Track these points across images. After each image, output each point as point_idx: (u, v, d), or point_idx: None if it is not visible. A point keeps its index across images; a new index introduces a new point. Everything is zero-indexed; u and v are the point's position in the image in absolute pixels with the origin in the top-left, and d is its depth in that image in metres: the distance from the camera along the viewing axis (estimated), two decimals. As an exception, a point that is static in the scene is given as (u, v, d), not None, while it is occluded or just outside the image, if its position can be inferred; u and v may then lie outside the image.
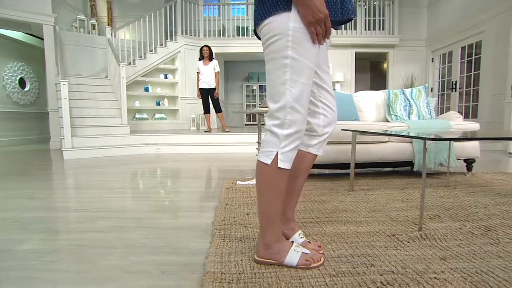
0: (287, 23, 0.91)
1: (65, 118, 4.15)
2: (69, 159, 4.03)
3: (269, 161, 0.99)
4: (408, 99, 2.85)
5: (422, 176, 1.21)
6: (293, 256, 1.05)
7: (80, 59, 6.43)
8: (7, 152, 5.08)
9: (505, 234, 1.32)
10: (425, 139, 1.22)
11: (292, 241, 1.12)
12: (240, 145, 4.70)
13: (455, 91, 6.55)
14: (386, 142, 2.53)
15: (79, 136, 4.36)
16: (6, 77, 6.23)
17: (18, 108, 6.54)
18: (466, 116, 6.30)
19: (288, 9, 0.91)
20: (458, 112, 6.48)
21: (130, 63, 6.51)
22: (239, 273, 1.02)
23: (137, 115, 6.68)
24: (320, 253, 1.10)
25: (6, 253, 1.24)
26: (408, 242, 1.25)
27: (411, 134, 1.49)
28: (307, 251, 1.08)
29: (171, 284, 1.00)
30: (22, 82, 6.64)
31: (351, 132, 2.09)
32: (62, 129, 4.24)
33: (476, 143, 2.58)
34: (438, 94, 7.26)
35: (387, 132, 1.54)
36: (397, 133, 1.44)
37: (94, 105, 5.13)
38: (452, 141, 1.99)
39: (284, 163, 0.99)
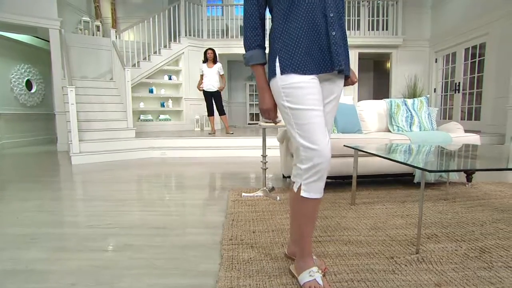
0: (278, 85, 1.14)
1: (72, 124, 4.24)
2: (77, 164, 4.13)
3: (295, 190, 1.18)
4: (410, 110, 2.90)
5: (415, 191, 1.28)
6: (305, 277, 1.16)
7: (85, 61, 6.51)
8: (15, 154, 5.20)
9: (499, 257, 1.39)
10: (423, 170, 1.28)
11: (314, 263, 1.21)
12: (244, 149, 4.77)
13: (458, 92, 6.56)
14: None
15: (86, 140, 4.46)
16: (14, 79, 6.32)
17: (25, 109, 6.65)
18: (469, 118, 6.32)
19: (274, 75, 1.15)
20: (461, 112, 6.51)
21: (134, 65, 6.58)
22: (247, 300, 1.09)
23: (141, 117, 6.77)
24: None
25: (30, 274, 1.32)
26: (406, 265, 1.32)
27: (414, 163, 1.55)
28: (320, 282, 1.13)
29: (184, 309, 1.08)
30: (29, 84, 6.74)
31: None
32: (69, 134, 4.34)
33: (476, 154, 2.63)
34: (441, 95, 7.27)
35: (390, 157, 1.60)
36: (399, 160, 1.50)
37: (100, 109, 5.21)
38: (452, 154, 2.04)
39: (308, 193, 1.13)
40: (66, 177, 3.37)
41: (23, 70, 6.55)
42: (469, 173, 2.71)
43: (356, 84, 7.59)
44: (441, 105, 7.27)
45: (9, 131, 6.23)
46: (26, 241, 1.67)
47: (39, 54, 6.97)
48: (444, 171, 1.19)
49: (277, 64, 1.13)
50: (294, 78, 1.11)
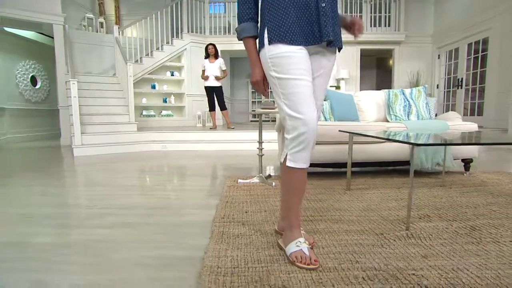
0: (266, 55, 1.18)
1: (75, 117, 4.30)
2: (79, 156, 4.19)
3: (282, 160, 1.21)
4: (407, 100, 2.90)
5: (409, 177, 1.29)
6: (292, 247, 1.17)
7: (89, 57, 6.58)
8: (21, 148, 5.28)
9: (488, 233, 1.39)
10: (412, 144, 1.29)
11: (301, 235, 1.22)
12: (245, 143, 4.79)
13: (461, 88, 6.52)
14: (384, 142, 2.60)
15: (88, 133, 4.51)
16: (19, 75, 6.42)
17: (30, 105, 6.75)
18: (471, 114, 6.28)
19: (263, 46, 1.19)
20: (464, 109, 6.47)
21: (137, 61, 6.64)
22: (234, 267, 1.12)
23: (144, 112, 6.82)
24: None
25: (25, 246, 1.36)
26: (394, 240, 1.33)
27: (403, 138, 1.56)
28: (306, 252, 1.15)
29: (173, 276, 1.11)
30: (33, 80, 6.84)
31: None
32: (72, 127, 4.40)
33: (473, 143, 2.62)
34: (444, 91, 7.23)
35: (380, 136, 1.61)
36: (388, 138, 1.52)
37: (103, 103, 5.27)
38: (445, 138, 2.04)
39: (293, 163, 1.15)
40: (68, 167, 3.42)
41: (28, 66, 6.65)
42: (467, 162, 2.70)
43: (358, 82, 7.59)
44: (444, 101, 7.23)
45: (14, 126, 6.33)
46: (23, 219, 1.70)
47: (44, 50, 7.07)
48: (430, 144, 1.20)
49: (266, 35, 1.16)
50: (281, 48, 1.13)
